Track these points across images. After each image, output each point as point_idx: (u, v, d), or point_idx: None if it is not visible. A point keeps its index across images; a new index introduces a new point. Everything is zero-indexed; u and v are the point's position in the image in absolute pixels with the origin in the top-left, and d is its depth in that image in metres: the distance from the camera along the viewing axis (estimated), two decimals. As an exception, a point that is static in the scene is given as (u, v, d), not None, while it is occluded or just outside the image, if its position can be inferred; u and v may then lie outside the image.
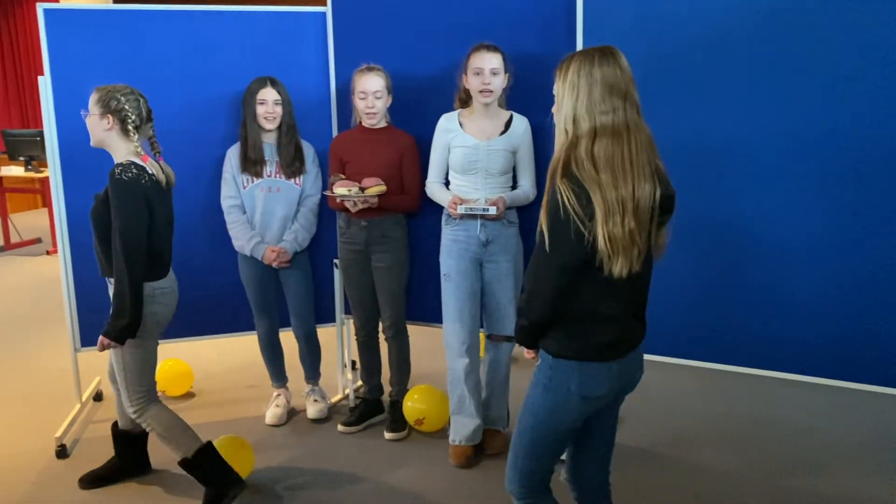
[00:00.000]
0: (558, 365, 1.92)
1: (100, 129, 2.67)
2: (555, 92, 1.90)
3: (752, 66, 2.83)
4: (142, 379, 2.77)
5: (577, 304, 1.88)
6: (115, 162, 2.68)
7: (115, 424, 3.11)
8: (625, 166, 1.78)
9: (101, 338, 2.65)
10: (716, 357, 3.08)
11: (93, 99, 2.68)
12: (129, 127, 2.66)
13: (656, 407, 3.72)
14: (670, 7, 2.93)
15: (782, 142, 2.84)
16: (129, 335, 2.65)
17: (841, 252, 2.81)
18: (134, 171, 2.61)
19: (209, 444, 2.83)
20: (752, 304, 2.97)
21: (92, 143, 2.73)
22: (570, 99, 1.84)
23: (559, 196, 1.78)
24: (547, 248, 1.83)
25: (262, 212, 3.43)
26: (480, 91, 2.99)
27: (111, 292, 2.68)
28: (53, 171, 3.41)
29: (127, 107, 2.66)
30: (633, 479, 3.07)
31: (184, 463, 2.79)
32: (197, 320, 3.67)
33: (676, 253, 3.05)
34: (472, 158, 3.04)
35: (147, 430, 2.83)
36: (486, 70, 2.96)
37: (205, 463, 2.80)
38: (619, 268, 1.80)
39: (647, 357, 3.18)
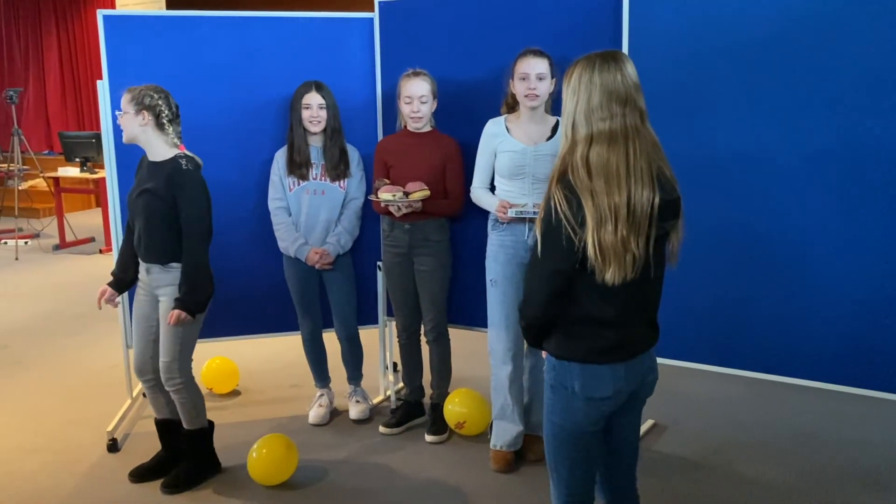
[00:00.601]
0: (561, 366, 1.94)
1: (135, 126, 2.86)
2: (563, 97, 1.91)
3: (793, 73, 2.82)
4: (190, 352, 3.01)
5: (576, 308, 1.89)
6: (152, 155, 2.91)
7: (156, 419, 3.19)
8: (619, 172, 1.77)
9: (178, 313, 2.86)
10: (758, 366, 3.05)
11: (126, 99, 2.86)
12: (164, 121, 2.89)
13: (699, 416, 3.68)
14: (716, 15, 2.91)
15: (814, 149, 2.82)
16: (203, 308, 2.93)
17: (884, 261, 2.77)
18: (193, 161, 2.91)
19: (212, 424, 3.16)
20: (793, 313, 2.94)
21: (125, 140, 2.92)
22: (570, 104, 1.85)
23: (552, 202, 1.80)
24: (539, 254, 1.85)
25: (306, 214, 3.48)
26: (526, 95, 2.99)
27: (149, 276, 2.95)
28: (110, 173, 3.51)
29: (160, 103, 2.87)
30: (674, 488, 3.04)
31: (198, 433, 3.08)
32: (243, 320, 3.75)
33: (713, 259, 3.05)
34: (519, 163, 3.04)
35: (181, 398, 3.01)
36: (532, 75, 2.97)
37: (208, 439, 3.14)
38: (611, 275, 1.79)
39: (684, 364, 3.19)
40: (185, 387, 3.00)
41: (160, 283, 2.94)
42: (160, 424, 3.19)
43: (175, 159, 2.88)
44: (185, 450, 3.12)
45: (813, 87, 2.79)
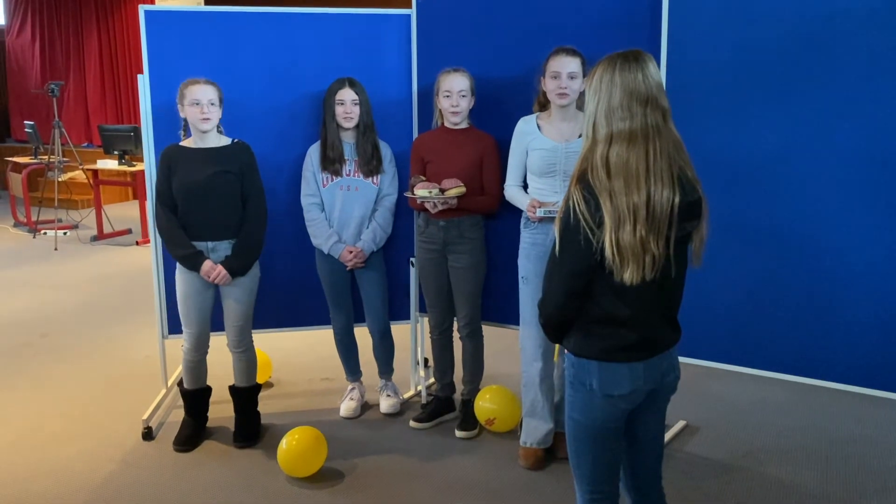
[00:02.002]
0: (580, 364, 1.95)
1: (218, 117, 3.24)
2: (585, 97, 1.92)
3: (834, 74, 2.79)
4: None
5: (594, 307, 1.90)
6: (211, 142, 3.23)
7: (192, 390, 3.45)
8: (639, 172, 1.77)
9: (224, 272, 3.21)
10: (793, 369, 3.02)
11: (217, 93, 3.21)
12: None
13: (731, 418, 3.64)
14: (757, 13, 2.88)
15: (852, 152, 2.79)
16: (244, 273, 3.28)
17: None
18: None
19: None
20: (828, 316, 2.91)
21: (210, 128, 3.21)
22: (592, 104, 1.86)
23: (571, 202, 1.81)
24: (557, 253, 1.86)
25: (340, 210, 3.51)
26: (557, 94, 2.98)
27: (215, 254, 3.23)
28: (149, 166, 3.55)
29: None
30: (703, 488, 3.02)
31: (254, 389, 3.49)
32: (276, 313, 3.78)
33: (747, 259, 3.03)
34: (550, 161, 3.04)
35: (247, 358, 3.42)
36: (564, 74, 2.96)
37: (257, 395, 3.54)
38: (629, 275, 1.79)
39: (718, 366, 3.17)
40: (251, 347, 3.42)
41: (226, 255, 3.26)
42: (199, 393, 3.46)
43: (242, 142, 3.30)
44: (243, 406, 3.47)
45: (853, 90, 2.75)
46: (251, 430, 3.45)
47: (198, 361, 3.41)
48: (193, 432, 3.44)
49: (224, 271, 3.21)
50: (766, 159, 2.95)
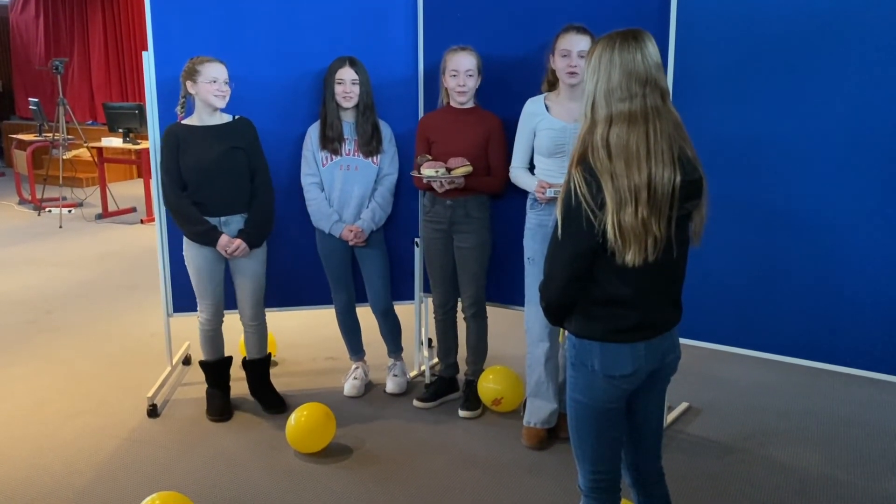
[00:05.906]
0: (581, 345, 1.95)
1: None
2: (584, 76, 1.90)
3: (843, 59, 2.76)
4: None
5: (596, 289, 1.90)
6: (215, 119, 3.29)
7: (211, 361, 3.52)
8: (640, 153, 1.76)
9: (243, 244, 3.31)
10: (797, 352, 3.02)
11: (226, 72, 3.25)
12: None
13: (734, 400, 3.65)
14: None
15: (859, 136, 2.77)
16: (260, 244, 3.42)
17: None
18: None
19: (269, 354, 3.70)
20: (833, 299, 2.90)
21: (224, 105, 3.28)
22: (590, 84, 1.84)
23: (572, 184, 1.80)
24: (559, 236, 1.85)
25: (340, 190, 3.49)
26: (567, 73, 2.96)
27: (228, 228, 3.30)
28: (154, 143, 3.53)
29: None
30: (703, 468, 3.03)
31: (267, 359, 3.62)
32: (279, 292, 3.77)
33: (752, 242, 3.02)
34: (559, 141, 3.02)
35: (262, 330, 3.56)
36: (574, 52, 2.93)
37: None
38: (631, 256, 1.79)
39: (721, 348, 3.17)
40: (265, 319, 3.56)
41: (238, 229, 3.35)
42: (221, 363, 3.55)
43: (244, 118, 3.37)
44: (262, 377, 3.60)
45: (863, 75, 2.73)
46: (277, 397, 3.58)
47: (216, 331, 3.50)
48: (224, 402, 3.52)
49: (242, 243, 3.31)
50: (773, 140, 2.92)
